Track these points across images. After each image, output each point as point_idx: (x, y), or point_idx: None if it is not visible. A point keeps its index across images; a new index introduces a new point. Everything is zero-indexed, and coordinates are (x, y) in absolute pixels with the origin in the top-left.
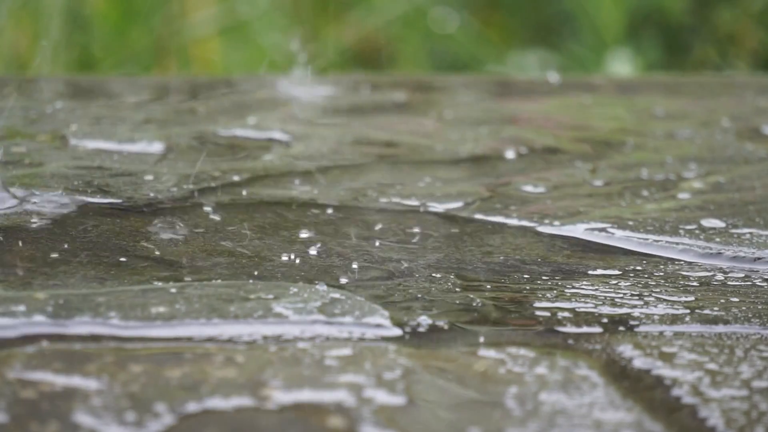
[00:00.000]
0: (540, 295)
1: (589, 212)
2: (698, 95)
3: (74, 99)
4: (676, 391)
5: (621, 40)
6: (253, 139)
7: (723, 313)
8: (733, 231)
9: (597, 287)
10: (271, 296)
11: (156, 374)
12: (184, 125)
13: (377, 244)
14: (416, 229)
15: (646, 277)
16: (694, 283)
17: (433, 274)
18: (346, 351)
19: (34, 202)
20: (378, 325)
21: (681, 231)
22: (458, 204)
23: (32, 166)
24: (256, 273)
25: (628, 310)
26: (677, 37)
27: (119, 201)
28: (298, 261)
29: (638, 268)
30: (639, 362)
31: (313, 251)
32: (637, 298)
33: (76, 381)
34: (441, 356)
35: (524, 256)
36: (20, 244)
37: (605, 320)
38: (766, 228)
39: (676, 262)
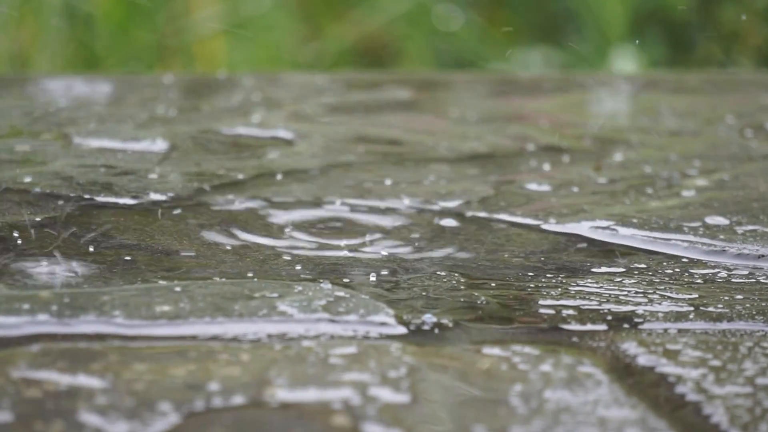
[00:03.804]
0: (544, 293)
1: (594, 210)
2: (702, 92)
3: (78, 97)
4: (680, 388)
5: (625, 38)
6: (257, 137)
7: (727, 310)
8: (737, 228)
9: (601, 285)
10: (275, 294)
11: (161, 373)
12: (188, 123)
13: (381, 242)
14: (420, 227)
15: (651, 275)
16: (698, 281)
17: (438, 272)
18: (351, 349)
19: (39, 202)
20: (382, 324)
21: (685, 228)
22: (462, 202)
23: (36, 164)
24: (260, 271)
25: (633, 308)
26: (681, 34)
27: (123, 200)
28: (302, 259)
29: (642, 265)
30: (643, 359)
31: (317, 249)
32: (641, 295)
33: (80, 380)
34: (445, 354)
35: (528, 254)
36: (24, 242)
37: (610, 318)
38: None
39: (681, 260)
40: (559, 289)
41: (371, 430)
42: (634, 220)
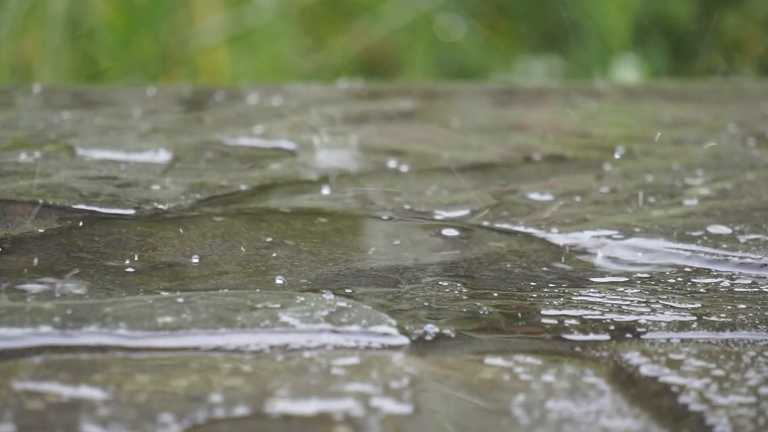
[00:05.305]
0: (547, 303)
1: (596, 219)
2: (704, 101)
3: (81, 109)
4: (683, 398)
5: (627, 47)
6: (261, 148)
7: (730, 319)
8: (740, 237)
9: (604, 294)
10: (277, 305)
11: (163, 384)
12: (190, 134)
13: (384, 252)
14: (423, 238)
15: (653, 284)
16: (701, 290)
17: (440, 282)
18: (353, 360)
19: (42, 213)
20: (385, 334)
21: (687, 237)
22: (465, 212)
23: (40, 176)
24: (263, 282)
25: (635, 317)
26: (683, 43)
27: (126, 211)
28: (305, 269)
29: (645, 275)
30: (646, 369)
31: (320, 260)
32: (644, 305)
33: (82, 391)
34: (448, 364)
35: (531, 264)
36: (27, 254)
37: (612, 327)
38: None
39: (683, 269)
40: (562, 299)
41: None
42: (637, 230)
